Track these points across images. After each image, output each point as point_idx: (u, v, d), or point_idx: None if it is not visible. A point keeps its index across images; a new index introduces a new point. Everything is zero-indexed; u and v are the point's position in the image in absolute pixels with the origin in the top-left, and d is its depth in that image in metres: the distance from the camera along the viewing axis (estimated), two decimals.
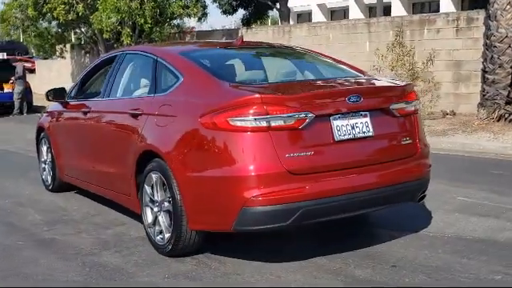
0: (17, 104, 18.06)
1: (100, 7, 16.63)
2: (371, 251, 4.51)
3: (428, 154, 4.70)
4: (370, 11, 30.47)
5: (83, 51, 23.20)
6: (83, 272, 4.24)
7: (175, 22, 19.97)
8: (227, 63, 4.96)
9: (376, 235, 4.95)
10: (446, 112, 12.26)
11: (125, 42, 16.48)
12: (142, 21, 16.37)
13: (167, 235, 4.43)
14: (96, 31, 17.70)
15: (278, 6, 19.95)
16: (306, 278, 4.05)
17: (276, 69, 5.11)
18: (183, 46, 5.87)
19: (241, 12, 20.99)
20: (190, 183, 4.18)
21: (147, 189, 4.65)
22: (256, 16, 21.55)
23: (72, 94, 6.39)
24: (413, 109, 4.55)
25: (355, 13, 29.90)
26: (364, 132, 4.22)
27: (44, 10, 17.92)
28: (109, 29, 16.36)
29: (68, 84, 24.71)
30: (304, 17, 35.97)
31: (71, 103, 6.27)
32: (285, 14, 19.93)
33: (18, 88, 17.82)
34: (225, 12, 20.22)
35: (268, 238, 4.79)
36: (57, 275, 4.20)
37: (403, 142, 4.44)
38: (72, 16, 17.49)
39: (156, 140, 4.51)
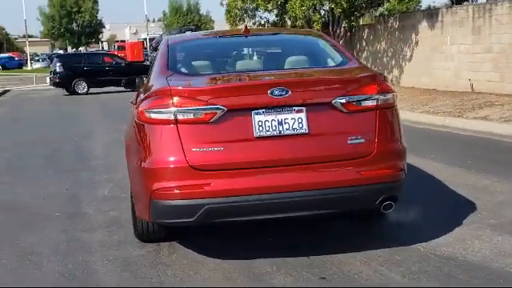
0: None
1: None
2: (322, 260, 4.11)
3: (396, 156, 4.05)
4: None
5: None
6: (56, 245, 4.72)
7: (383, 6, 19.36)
8: (201, 54, 4.93)
9: (354, 244, 4.41)
10: None
11: (315, 29, 16.56)
12: (333, 6, 16.31)
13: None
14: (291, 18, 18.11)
15: None
16: (221, 276, 3.93)
17: (246, 59, 4.89)
18: (186, 35, 5.97)
19: None
20: (130, 172, 4.35)
21: None
22: None
23: None
24: (371, 104, 3.96)
25: None
26: (295, 129, 3.84)
27: (249, 1, 18.99)
28: (301, 16, 16.67)
29: None
30: None
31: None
32: None
33: None
34: None
35: (249, 233, 4.70)
36: (33, 244, 4.76)
37: (351, 142, 3.89)
38: (272, 6, 18.23)
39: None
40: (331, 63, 4.62)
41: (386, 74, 18.46)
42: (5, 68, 56.29)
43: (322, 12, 17.78)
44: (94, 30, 53.74)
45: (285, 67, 4.52)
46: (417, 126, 10.83)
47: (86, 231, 5.09)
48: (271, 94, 3.81)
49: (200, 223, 3.94)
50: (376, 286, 3.70)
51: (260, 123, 3.82)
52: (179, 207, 3.82)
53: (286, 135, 3.84)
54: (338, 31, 19.07)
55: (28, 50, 60.78)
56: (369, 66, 19.71)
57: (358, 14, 17.53)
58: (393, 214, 4.91)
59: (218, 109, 3.78)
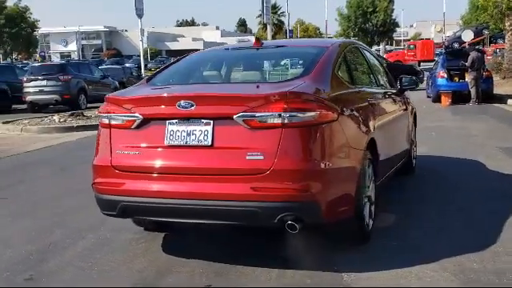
0: (472, 92, 18.17)
1: None
2: (238, 270, 4.15)
3: (301, 176, 3.81)
4: None
5: None
6: (79, 217, 5.60)
7: None
8: (189, 66, 5.37)
9: (293, 260, 4.20)
10: None
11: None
12: None
13: None
14: None
15: None
16: (135, 269, 4.27)
17: (229, 72, 5.18)
18: (211, 48, 6.40)
19: None
20: None
21: None
22: None
23: None
24: (276, 121, 3.81)
25: None
26: (200, 140, 3.97)
27: None
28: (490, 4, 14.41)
29: None
30: None
31: None
32: None
33: (469, 77, 17.93)
34: None
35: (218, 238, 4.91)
36: (62, 212, 5.70)
37: (249, 157, 3.81)
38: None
39: None
40: (286, 77, 4.65)
41: None
42: None
43: None
44: (386, 29, 54.24)
45: (240, 81, 4.77)
46: None
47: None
48: (178, 106, 4.01)
49: (125, 217, 4.48)
50: (372, 286, 3.72)
51: (172, 132, 4.07)
52: (103, 201, 4.31)
53: (191, 146, 4.01)
54: None
55: None
56: None
57: None
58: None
59: (136, 117, 4.16)
